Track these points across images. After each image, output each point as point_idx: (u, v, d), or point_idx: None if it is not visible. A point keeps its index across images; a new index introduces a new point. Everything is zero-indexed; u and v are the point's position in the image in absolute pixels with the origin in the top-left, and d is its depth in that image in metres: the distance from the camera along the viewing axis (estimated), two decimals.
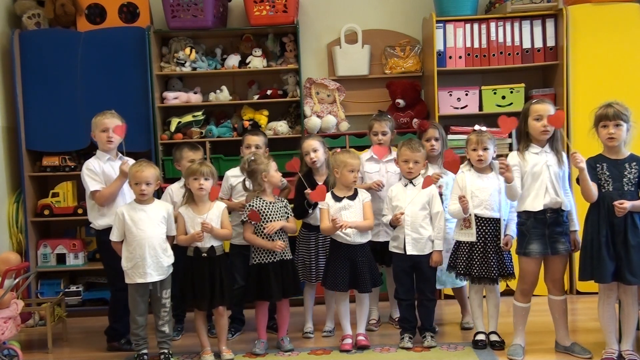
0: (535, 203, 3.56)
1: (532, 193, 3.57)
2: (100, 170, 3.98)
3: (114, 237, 3.76)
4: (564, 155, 3.62)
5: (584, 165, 3.39)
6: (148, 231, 3.71)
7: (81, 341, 4.40)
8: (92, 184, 3.96)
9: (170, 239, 3.83)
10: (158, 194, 4.34)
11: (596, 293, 3.58)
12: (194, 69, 4.99)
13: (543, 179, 3.56)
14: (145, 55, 4.84)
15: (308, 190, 3.91)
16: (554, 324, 3.74)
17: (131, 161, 3.98)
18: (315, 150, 4.11)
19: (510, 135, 4.87)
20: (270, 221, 3.85)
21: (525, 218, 3.61)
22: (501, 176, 3.59)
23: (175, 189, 4.29)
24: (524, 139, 3.67)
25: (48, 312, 4.19)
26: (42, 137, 4.91)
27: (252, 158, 3.93)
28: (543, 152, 3.61)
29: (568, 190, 3.64)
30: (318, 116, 5.00)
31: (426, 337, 3.90)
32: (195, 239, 3.75)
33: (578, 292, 4.80)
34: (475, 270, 3.76)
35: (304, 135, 4.87)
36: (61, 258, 4.94)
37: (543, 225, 3.57)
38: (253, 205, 3.85)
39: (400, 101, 5.00)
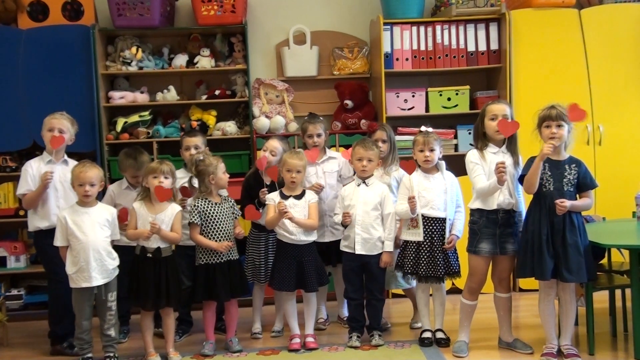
0: (490, 201, 3.63)
1: None
2: (36, 171, 3.93)
3: (58, 242, 3.67)
4: (520, 157, 3.69)
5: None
6: (92, 235, 3.64)
7: (23, 345, 4.29)
8: (20, 186, 3.96)
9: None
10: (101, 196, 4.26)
11: (537, 290, 3.68)
12: (141, 68, 4.92)
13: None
14: (90, 54, 4.75)
15: (264, 190, 3.96)
16: (498, 320, 3.83)
17: (56, 173, 3.89)
18: (274, 152, 4.11)
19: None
20: (217, 223, 3.83)
21: (478, 217, 3.68)
22: (497, 178, 3.49)
23: (117, 190, 4.21)
24: (481, 139, 3.74)
25: None
26: None
27: (201, 158, 3.89)
28: (500, 153, 3.68)
29: (520, 192, 3.72)
30: (267, 117, 4.98)
31: (374, 335, 3.94)
32: (142, 237, 3.70)
33: (520, 290, 4.93)
34: (422, 270, 3.81)
35: (254, 135, 4.87)
36: (2, 261, 4.81)
37: (494, 225, 3.65)
38: (198, 206, 3.82)
39: (349, 102, 5.04)
